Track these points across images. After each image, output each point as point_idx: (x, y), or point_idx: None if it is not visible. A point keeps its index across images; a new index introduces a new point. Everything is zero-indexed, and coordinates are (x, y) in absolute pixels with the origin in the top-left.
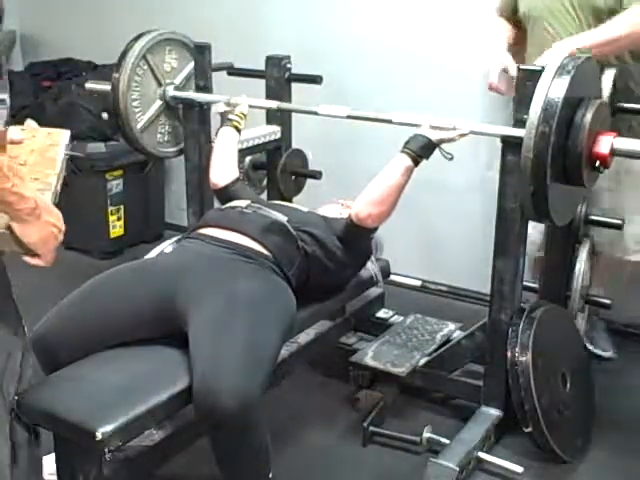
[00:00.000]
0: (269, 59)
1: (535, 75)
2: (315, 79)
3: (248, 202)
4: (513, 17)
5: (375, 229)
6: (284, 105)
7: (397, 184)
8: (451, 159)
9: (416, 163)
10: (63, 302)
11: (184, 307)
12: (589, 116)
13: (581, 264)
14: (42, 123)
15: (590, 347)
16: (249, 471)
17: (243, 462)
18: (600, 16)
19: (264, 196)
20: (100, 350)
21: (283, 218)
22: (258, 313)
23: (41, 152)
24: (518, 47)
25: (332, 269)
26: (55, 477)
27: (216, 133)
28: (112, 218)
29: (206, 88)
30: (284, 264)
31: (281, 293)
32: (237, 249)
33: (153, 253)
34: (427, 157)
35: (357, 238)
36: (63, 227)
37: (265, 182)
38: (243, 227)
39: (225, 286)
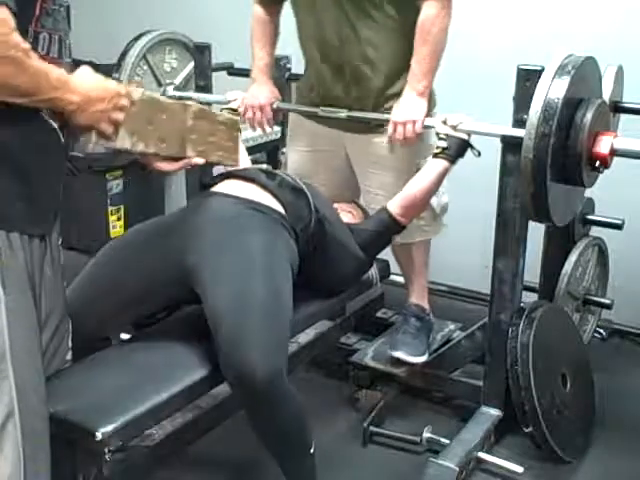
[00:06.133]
0: None
1: (535, 75)
2: None
3: (269, 166)
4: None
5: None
6: (284, 105)
7: (437, 187)
8: (479, 155)
9: (454, 164)
10: (81, 274)
11: (195, 264)
12: (589, 116)
13: (570, 265)
14: None
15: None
16: (290, 442)
17: (282, 431)
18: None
19: None
20: (118, 324)
21: (300, 182)
22: (272, 274)
23: None
24: None
25: (337, 254)
26: None
27: None
28: (112, 218)
29: (206, 88)
30: (294, 218)
31: (288, 247)
32: (248, 203)
33: None
34: (463, 156)
35: (393, 233)
36: (115, 100)
37: None
38: (259, 178)
39: (237, 241)
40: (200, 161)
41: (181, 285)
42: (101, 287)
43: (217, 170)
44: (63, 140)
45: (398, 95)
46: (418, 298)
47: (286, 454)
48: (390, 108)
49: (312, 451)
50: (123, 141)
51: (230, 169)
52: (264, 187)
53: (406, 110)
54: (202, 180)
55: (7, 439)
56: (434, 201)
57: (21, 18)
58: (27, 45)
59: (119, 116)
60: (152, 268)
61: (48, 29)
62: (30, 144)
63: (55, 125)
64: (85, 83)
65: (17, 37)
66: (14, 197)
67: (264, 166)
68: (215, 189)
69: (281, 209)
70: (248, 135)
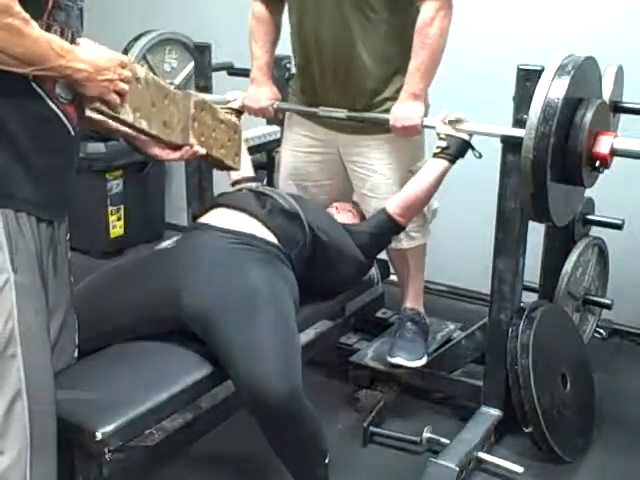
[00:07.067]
0: None
1: (535, 75)
2: None
3: (259, 184)
4: None
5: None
6: (284, 105)
7: (436, 187)
8: (480, 157)
9: (453, 164)
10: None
11: (192, 303)
12: (589, 116)
13: (570, 265)
14: None
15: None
16: (306, 454)
17: (300, 447)
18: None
19: None
20: (101, 348)
21: (292, 201)
22: (277, 303)
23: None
24: None
25: (337, 259)
26: None
27: None
28: (112, 218)
29: (206, 88)
30: (288, 245)
31: (287, 281)
32: (241, 237)
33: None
34: (463, 156)
35: (392, 233)
36: (119, 71)
37: (265, 182)
38: (249, 207)
39: (235, 280)
40: (202, 151)
41: (173, 322)
42: (87, 317)
43: (216, 172)
44: (71, 127)
45: (390, 99)
46: (413, 302)
47: (301, 465)
48: (383, 112)
49: (326, 461)
50: (127, 115)
51: (221, 199)
52: (254, 216)
53: (403, 113)
54: (202, 181)
55: (15, 419)
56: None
57: (33, 9)
58: (27, 16)
59: (124, 86)
60: (142, 304)
61: (60, 23)
62: (29, 127)
63: (58, 110)
64: (90, 53)
65: (16, 7)
66: (19, 178)
67: (254, 185)
68: (206, 220)
69: (274, 239)
70: (248, 135)
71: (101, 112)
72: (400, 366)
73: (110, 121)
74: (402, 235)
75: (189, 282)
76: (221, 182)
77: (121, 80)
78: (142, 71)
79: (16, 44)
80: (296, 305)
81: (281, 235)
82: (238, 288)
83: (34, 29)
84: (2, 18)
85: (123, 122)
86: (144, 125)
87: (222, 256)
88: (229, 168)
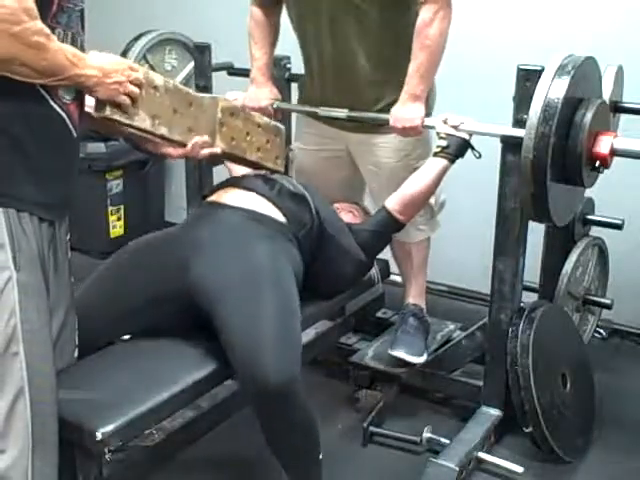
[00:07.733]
0: None
1: (535, 75)
2: None
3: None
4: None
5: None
6: (284, 105)
7: (436, 186)
8: (479, 157)
9: (453, 163)
10: (81, 287)
11: (199, 278)
12: (589, 116)
13: (570, 265)
14: None
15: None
16: (301, 449)
17: (294, 438)
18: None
19: None
20: (116, 337)
21: (300, 186)
22: (280, 283)
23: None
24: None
25: (337, 256)
26: None
27: None
28: (112, 218)
29: (206, 88)
30: (295, 226)
31: (292, 259)
32: (250, 214)
33: None
34: (463, 156)
35: (392, 231)
36: (127, 72)
37: None
38: (259, 187)
39: (241, 253)
40: (216, 150)
41: (183, 299)
42: (101, 300)
43: (217, 172)
44: (73, 128)
45: (392, 104)
46: (416, 298)
47: (295, 461)
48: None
49: (320, 457)
50: (143, 122)
51: (231, 180)
52: (263, 196)
53: (403, 115)
54: (202, 181)
55: (17, 419)
56: (432, 199)
57: (40, 12)
58: (48, 30)
59: (135, 89)
60: (153, 282)
61: (63, 26)
62: (32, 128)
63: (61, 111)
64: (98, 59)
65: (40, 24)
66: (21, 178)
67: (262, 171)
68: (215, 198)
69: (282, 218)
70: None
71: (115, 120)
72: (401, 360)
73: (124, 128)
74: (409, 227)
75: (196, 259)
76: None
77: (131, 82)
78: (160, 79)
79: (40, 58)
80: (298, 280)
81: (289, 215)
82: (244, 265)
83: (54, 42)
84: (30, 37)
85: (139, 129)
86: (163, 131)
87: (231, 231)
88: (267, 169)
